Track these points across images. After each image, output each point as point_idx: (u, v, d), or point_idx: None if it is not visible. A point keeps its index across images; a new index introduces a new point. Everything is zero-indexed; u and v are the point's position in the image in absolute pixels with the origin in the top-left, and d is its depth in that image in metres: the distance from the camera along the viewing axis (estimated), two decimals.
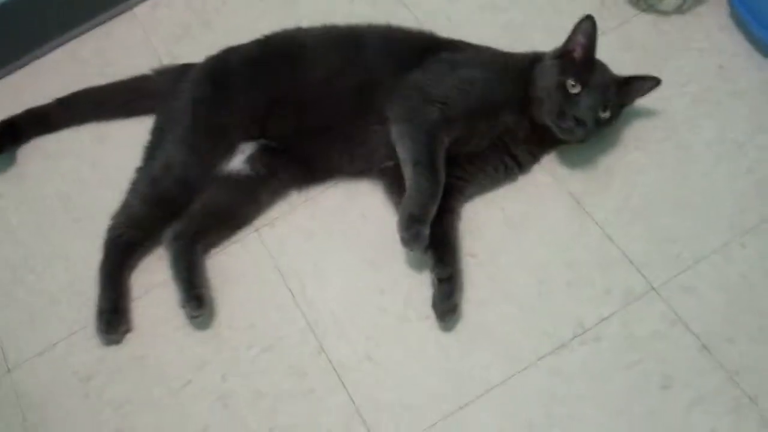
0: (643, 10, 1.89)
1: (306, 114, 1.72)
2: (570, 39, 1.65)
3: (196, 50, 2.02)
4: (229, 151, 1.75)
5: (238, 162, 1.76)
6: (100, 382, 1.63)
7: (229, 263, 1.73)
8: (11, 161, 1.95)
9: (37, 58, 2.13)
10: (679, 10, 1.87)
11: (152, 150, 1.79)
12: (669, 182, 1.67)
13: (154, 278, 1.73)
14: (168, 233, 1.72)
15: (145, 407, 1.59)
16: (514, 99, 1.65)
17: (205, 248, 1.74)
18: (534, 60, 1.69)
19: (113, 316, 1.67)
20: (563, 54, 1.65)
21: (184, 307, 1.64)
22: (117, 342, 1.67)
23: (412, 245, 1.54)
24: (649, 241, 1.61)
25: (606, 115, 1.61)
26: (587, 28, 1.62)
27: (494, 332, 1.56)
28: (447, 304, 1.56)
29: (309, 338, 1.61)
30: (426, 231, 1.54)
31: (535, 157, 1.72)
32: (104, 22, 2.16)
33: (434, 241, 1.57)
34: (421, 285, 1.63)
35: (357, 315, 1.63)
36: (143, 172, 1.77)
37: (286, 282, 1.69)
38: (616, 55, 1.71)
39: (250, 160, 1.76)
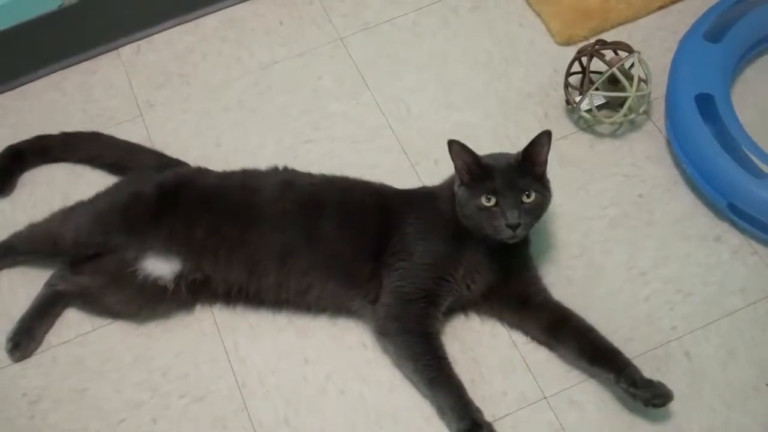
0: (582, 129, 2.06)
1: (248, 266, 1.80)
2: (455, 165, 1.71)
3: (173, 101, 2.19)
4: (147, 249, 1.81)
5: (163, 271, 1.81)
6: (45, 407, 1.77)
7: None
8: None
9: (24, 84, 2.25)
10: (614, 134, 2.04)
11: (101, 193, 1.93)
12: (574, 298, 1.80)
13: None
14: (54, 274, 1.88)
15: None
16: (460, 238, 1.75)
17: (64, 307, 1.89)
18: (439, 196, 1.81)
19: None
20: (460, 179, 1.73)
21: (8, 340, 1.82)
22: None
23: None
24: (550, 352, 1.77)
25: (530, 200, 1.67)
26: (457, 150, 1.69)
27: (400, 415, 1.72)
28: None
29: (236, 395, 1.77)
30: None
31: None
32: (90, 58, 2.29)
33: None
34: (343, 360, 1.79)
35: (281, 379, 1.78)
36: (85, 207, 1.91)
37: (222, 337, 1.84)
38: (550, 168, 1.80)
39: (178, 280, 1.81)
